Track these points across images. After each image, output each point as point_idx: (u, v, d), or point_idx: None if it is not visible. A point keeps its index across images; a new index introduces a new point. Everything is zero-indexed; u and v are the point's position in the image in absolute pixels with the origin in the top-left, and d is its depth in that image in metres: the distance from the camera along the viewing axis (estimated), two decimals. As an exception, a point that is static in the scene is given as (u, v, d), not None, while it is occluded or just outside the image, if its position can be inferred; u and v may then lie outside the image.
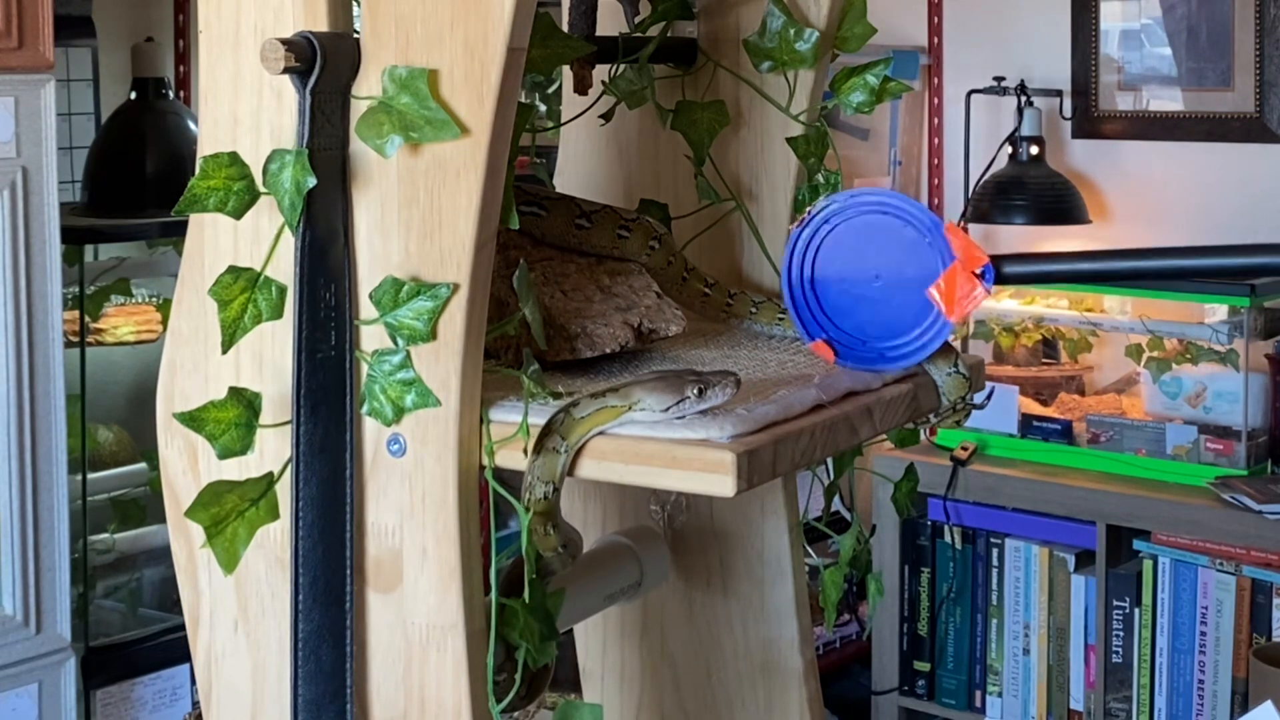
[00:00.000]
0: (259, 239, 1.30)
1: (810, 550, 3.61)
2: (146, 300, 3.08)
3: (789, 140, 1.60)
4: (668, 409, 1.26)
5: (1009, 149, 3.88)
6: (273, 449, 1.31)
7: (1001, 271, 1.35)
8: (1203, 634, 3.34)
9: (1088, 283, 1.41)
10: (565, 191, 1.72)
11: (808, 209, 1.39)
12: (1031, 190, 3.78)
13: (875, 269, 1.38)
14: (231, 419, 1.28)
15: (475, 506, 1.29)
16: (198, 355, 1.35)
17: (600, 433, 1.27)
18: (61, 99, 2.95)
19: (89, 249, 2.93)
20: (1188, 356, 3.50)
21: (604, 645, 1.75)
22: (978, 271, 1.34)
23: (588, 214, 1.48)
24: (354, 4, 1.30)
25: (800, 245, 1.39)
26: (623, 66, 1.63)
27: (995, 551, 3.62)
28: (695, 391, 1.26)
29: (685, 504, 1.68)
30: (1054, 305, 3.74)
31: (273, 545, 1.33)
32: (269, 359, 1.31)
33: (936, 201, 4.15)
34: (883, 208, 1.38)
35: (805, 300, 1.40)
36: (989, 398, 1.57)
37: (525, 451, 1.27)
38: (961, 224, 3.97)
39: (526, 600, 1.28)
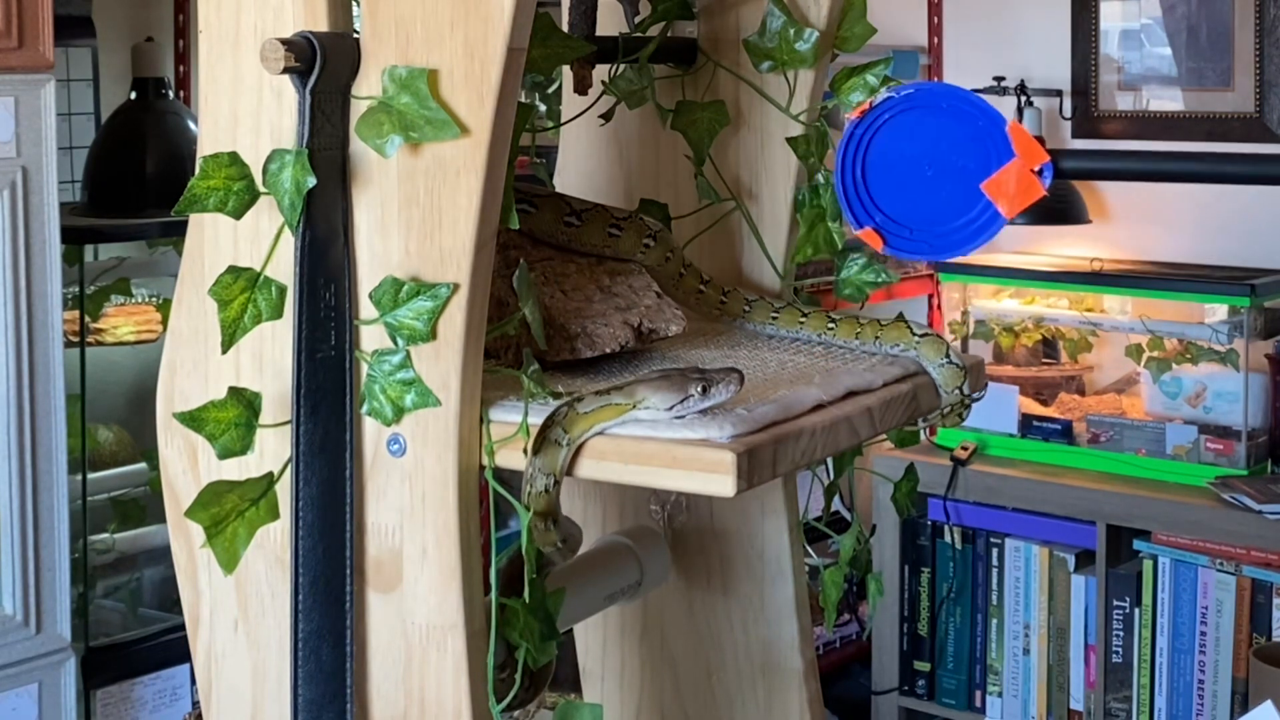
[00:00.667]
0: (259, 239, 1.30)
1: (810, 550, 3.61)
2: (146, 300, 3.07)
3: (789, 140, 1.60)
4: (671, 407, 1.26)
5: (1009, 149, 3.87)
6: (273, 449, 1.31)
7: (1060, 166, 1.35)
8: (1203, 634, 3.34)
9: (1144, 179, 1.42)
10: (565, 191, 1.72)
11: (869, 100, 1.39)
12: (1031, 190, 3.78)
13: (928, 159, 1.37)
14: (231, 419, 1.28)
15: (475, 506, 1.29)
16: (198, 355, 1.35)
17: (601, 431, 1.27)
18: (61, 99, 2.95)
19: (89, 249, 2.93)
20: (1188, 356, 3.50)
21: (604, 645, 1.75)
22: (1036, 169, 1.34)
23: (578, 212, 1.48)
24: (354, 4, 1.30)
25: (856, 134, 1.39)
26: (623, 66, 1.63)
27: (995, 551, 3.62)
28: (699, 389, 1.26)
29: (685, 504, 1.68)
30: (1054, 305, 3.74)
31: (273, 545, 1.33)
32: (269, 359, 1.31)
33: (936, 201, 4.16)
34: (943, 99, 1.38)
35: (855, 188, 1.39)
36: (984, 388, 1.58)
37: (525, 451, 1.27)
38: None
39: (527, 600, 1.28)
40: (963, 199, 1.36)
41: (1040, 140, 1.37)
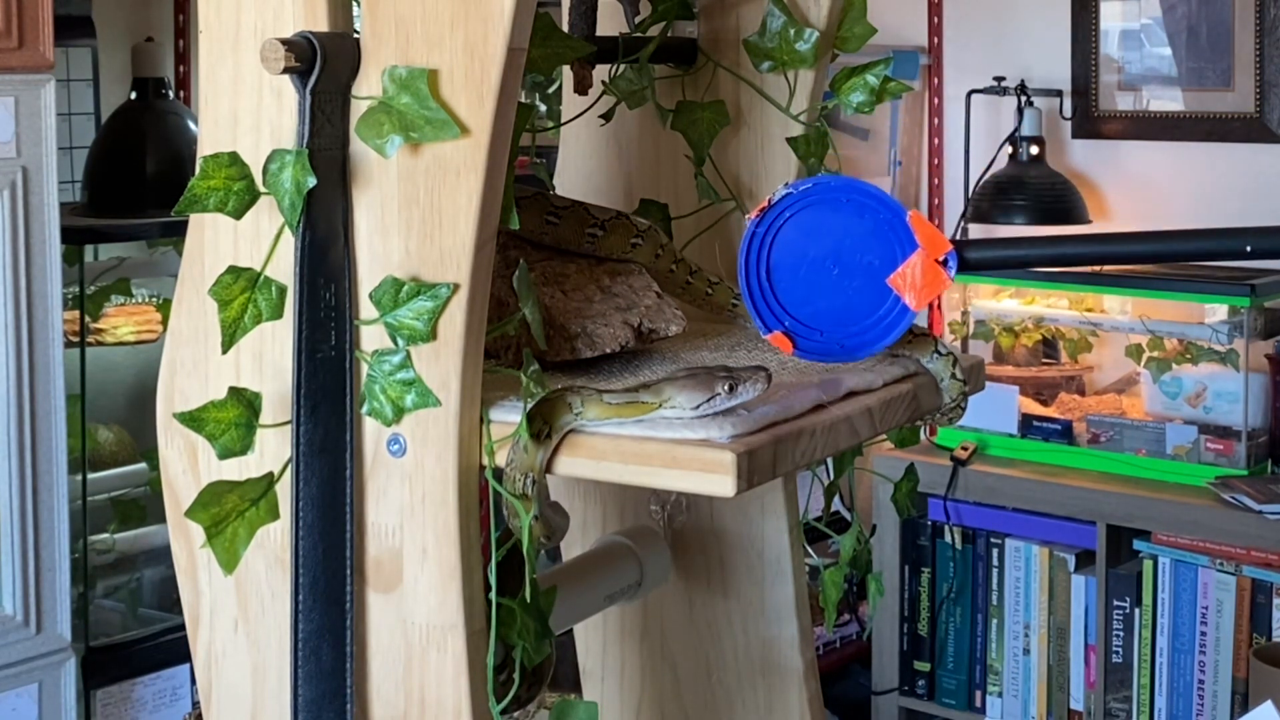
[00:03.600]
0: (259, 239, 1.30)
1: (810, 550, 3.60)
2: (146, 300, 3.07)
3: (789, 140, 1.60)
4: (698, 406, 1.25)
5: (1009, 149, 3.88)
6: (273, 449, 1.31)
7: (964, 257, 1.34)
8: (1203, 634, 3.34)
9: (1049, 265, 1.39)
10: (565, 193, 1.72)
11: (766, 199, 1.37)
12: (1031, 190, 3.78)
13: (832, 257, 1.36)
14: (231, 419, 1.28)
15: (475, 506, 1.29)
16: (198, 355, 1.35)
17: (612, 425, 1.27)
18: (61, 99, 2.94)
19: (89, 249, 2.93)
20: (1188, 356, 3.50)
21: (604, 645, 1.75)
22: (941, 259, 1.33)
23: (558, 210, 1.48)
24: (354, 4, 1.30)
25: (757, 235, 1.37)
26: (623, 66, 1.63)
27: (995, 551, 3.62)
28: (726, 388, 1.26)
29: (685, 504, 1.68)
30: (1054, 305, 3.74)
31: (273, 545, 1.33)
32: (269, 359, 1.31)
33: (937, 201, 4.16)
34: (843, 194, 1.36)
35: (761, 291, 1.38)
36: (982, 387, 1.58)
37: (526, 449, 1.27)
38: (962, 224, 3.97)
39: (527, 599, 1.28)
40: (870, 296, 1.35)
41: (941, 230, 1.34)
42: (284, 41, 1.23)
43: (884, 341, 1.36)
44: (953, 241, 1.33)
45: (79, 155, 3.14)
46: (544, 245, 1.48)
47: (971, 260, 1.34)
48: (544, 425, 1.27)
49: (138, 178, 2.95)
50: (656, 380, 1.28)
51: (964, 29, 4.09)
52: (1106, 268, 3.63)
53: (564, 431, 1.27)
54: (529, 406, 1.26)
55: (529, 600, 1.28)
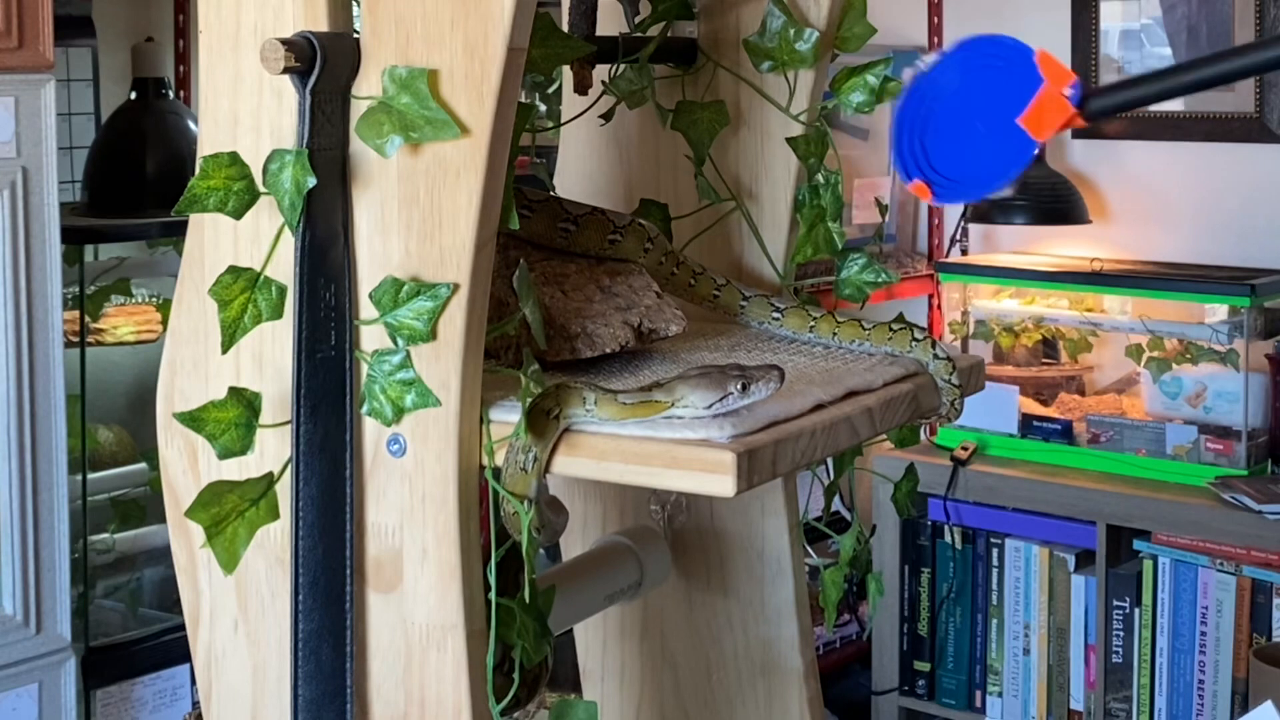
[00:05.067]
0: (259, 239, 1.30)
1: (810, 550, 3.61)
2: (146, 300, 3.07)
3: (789, 140, 1.60)
4: (710, 405, 1.25)
5: (1009, 149, 3.87)
6: (273, 449, 1.31)
7: (1088, 105, 1.36)
8: (1203, 634, 3.34)
9: (1176, 94, 1.44)
10: (565, 193, 1.72)
11: (920, 61, 1.40)
12: (1031, 190, 3.78)
13: (980, 116, 1.39)
14: (231, 419, 1.28)
15: (475, 506, 1.29)
16: (198, 355, 1.35)
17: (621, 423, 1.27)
18: (61, 99, 2.95)
19: (89, 249, 2.93)
20: (1188, 356, 3.50)
21: (604, 645, 1.75)
22: (1065, 91, 1.35)
23: (574, 218, 1.48)
24: (354, 4, 1.30)
25: (916, 95, 1.40)
26: (623, 66, 1.63)
27: (995, 551, 3.62)
28: (739, 387, 1.26)
29: (685, 504, 1.68)
30: (1054, 305, 3.74)
31: (273, 545, 1.33)
32: (269, 359, 1.31)
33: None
34: (990, 57, 1.40)
35: (910, 147, 1.40)
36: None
37: (523, 416, 1.27)
38: (961, 224, 3.97)
39: (526, 599, 1.28)
40: (1004, 138, 1.38)
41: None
42: (284, 41, 1.23)
43: (1009, 175, 1.38)
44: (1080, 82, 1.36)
45: (79, 155, 3.14)
46: (545, 247, 1.48)
47: (1094, 108, 1.36)
48: (555, 406, 1.26)
49: (138, 178, 2.95)
50: (669, 379, 1.28)
51: (964, 29, 4.09)
52: (1105, 268, 3.63)
53: (566, 424, 1.27)
54: (536, 393, 1.26)
55: (527, 600, 1.28)
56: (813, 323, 1.54)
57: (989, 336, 3.80)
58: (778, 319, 1.55)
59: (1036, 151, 1.37)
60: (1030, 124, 1.35)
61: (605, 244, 1.49)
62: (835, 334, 1.53)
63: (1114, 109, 1.39)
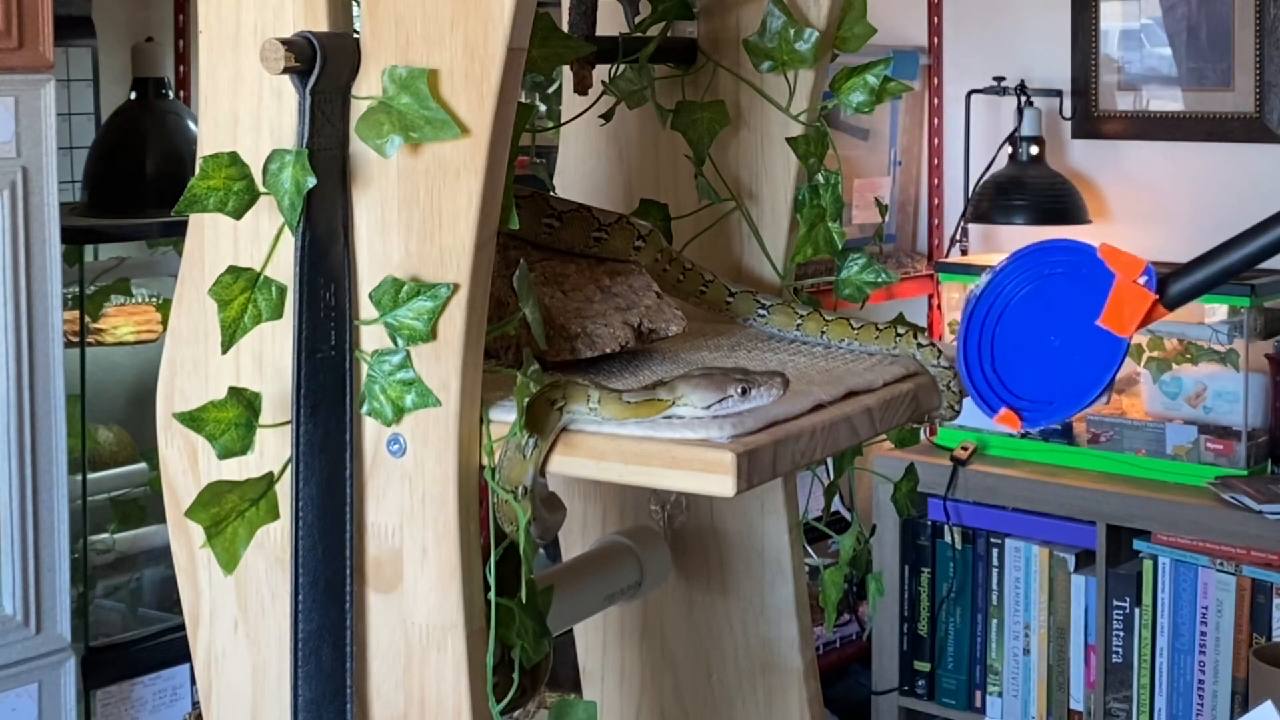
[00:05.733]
0: (259, 239, 1.30)
1: (810, 550, 3.61)
2: (146, 300, 3.07)
3: (789, 140, 1.60)
4: (709, 406, 1.25)
5: (1009, 149, 3.87)
6: (273, 449, 1.31)
7: (1167, 291, 1.32)
8: (1203, 634, 3.34)
9: (1252, 265, 1.39)
10: (565, 193, 1.72)
11: (973, 286, 1.38)
12: (1031, 190, 3.78)
13: (1052, 329, 1.35)
14: (231, 419, 1.28)
15: (475, 506, 1.29)
16: (198, 355, 1.35)
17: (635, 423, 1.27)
18: (61, 99, 2.94)
19: (89, 249, 2.93)
20: (1188, 356, 3.50)
21: (604, 645, 1.75)
22: (1139, 280, 1.32)
23: (559, 213, 1.48)
24: (354, 4, 1.30)
25: (974, 321, 1.38)
26: (623, 66, 1.63)
27: (995, 551, 3.62)
28: (739, 391, 1.25)
29: (685, 504, 1.68)
30: (1054, 305, 3.74)
31: (273, 545, 1.33)
32: (269, 359, 1.31)
33: (936, 201, 4.15)
34: (1045, 260, 1.36)
35: (984, 376, 1.38)
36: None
37: (521, 414, 1.27)
38: (961, 223, 3.97)
39: (523, 599, 1.28)
40: (1091, 346, 1.34)
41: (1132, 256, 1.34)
42: (284, 41, 1.23)
43: (1103, 381, 1.35)
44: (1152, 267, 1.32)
45: (79, 155, 3.14)
46: (543, 246, 1.48)
47: (1175, 294, 1.32)
48: (561, 398, 1.26)
49: (138, 178, 2.95)
50: (672, 377, 1.28)
51: (964, 29, 4.09)
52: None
53: (568, 420, 1.27)
54: (533, 392, 1.25)
55: (525, 600, 1.28)
56: (799, 320, 1.54)
57: (989, 336, 3.79)
58: (764, 316, 1.56)
59: (1126, 350, 1.33)
60: (1113, 323, 1.32)
61: (590, 241, 1.48)
62: (824, 332, 1.53)
63: (1194, 293, 1.35)
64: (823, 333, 1.53)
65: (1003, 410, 1.37)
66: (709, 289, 1.56)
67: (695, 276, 1.56)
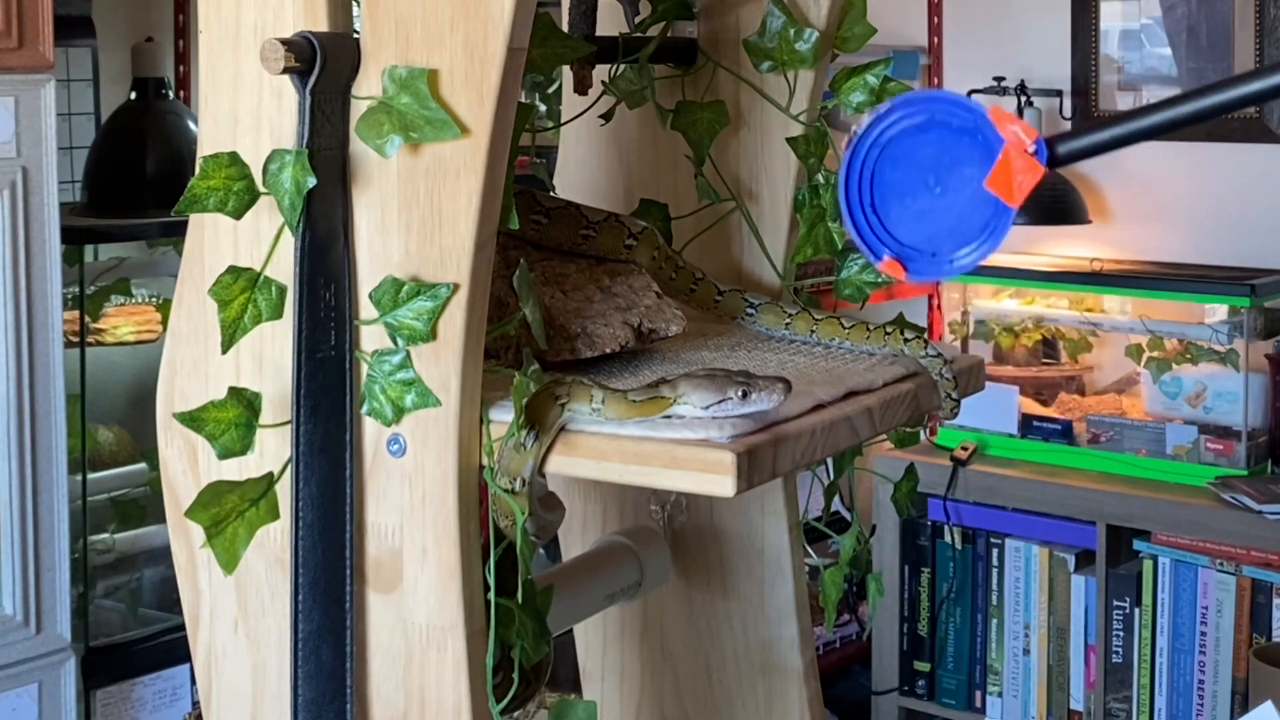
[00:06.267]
0: (259, 239, 1.30)
1: (810, 550, 3.61)
2: (146, 300, 3.08)
3: (789, 140, 1.60)
4: (709, 406, 1.25)
5: (1009, 149, 3.87)
6: (273, 449, 1.31)
7: (1055, 152, 1.32)
8: (1203, 634, 3.34)
9: (1142, 138, 1.36)
10: (565, 193, 1.72)
11: (853, 129, 1.37)
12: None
13: (931, 175, 1.35)
14: (231, 419, 1.28)
15: (475, 506, 1.29)
16: (198, 355, 1.35)
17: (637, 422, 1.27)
18: (61, 99, 2.95)
19: (89, 249, 2.93)
20: (1188, 356, 3.50)
21: (604, 645, 1.75)
22: (1030, 150, 1.32)
23: (547, 210, 1.48)
24: (354, 4, 1.30)
25: (854, 167, 1.37)
26: (623, 66, 1.63)
27: (995, 551, 3.62)
28: (739, 393, 1.25)
29: (685, 504, 1.68)
30: (1054, 305, 3.74)
31: (273, 545, 1.33)
32: (269, 359, 1.31)
33: (936, 201, 4.15)
34: (926, 108, 1.35)
35: (867, 222, 1.37)
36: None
37: (521, 411, 1.27)
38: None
39: (521, 599, 1.28)
40: (976, 205, 1.34)
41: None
42: (284, 41, 1.23)
43: (990, 247, 1.34)
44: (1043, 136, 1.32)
45: (79, 155, 3.14)
46: (540, 245, 1.48)
47: (1061, 154, 1.33)
48: (565, 395, 1.26)
49: (138, 178, 2.95)
50: (675, 376, 1.28)
51: (964, 29, 4.09)
52: (1105, 268, 3.63)
53: (570, 417, 1.27)
54: (532, 391, 1.25)
55: (524, 600, 1.28)
56: (788, 319, 1.54)
57: (989, 336, 3.80)
58: (751, 315, 1.56)
59: (1012, 219, 1.34)
60: (1001, 189, 1.32)
61: (578, 239, 1.48)
62: (813, 330, 1.53)
63: (1081, 155, 1.35)
64: (812, 331, 1.53)
65: (886, 257, 1.35)
66: (698, 287, 1.56)
67: (686, 275, 1.56)
